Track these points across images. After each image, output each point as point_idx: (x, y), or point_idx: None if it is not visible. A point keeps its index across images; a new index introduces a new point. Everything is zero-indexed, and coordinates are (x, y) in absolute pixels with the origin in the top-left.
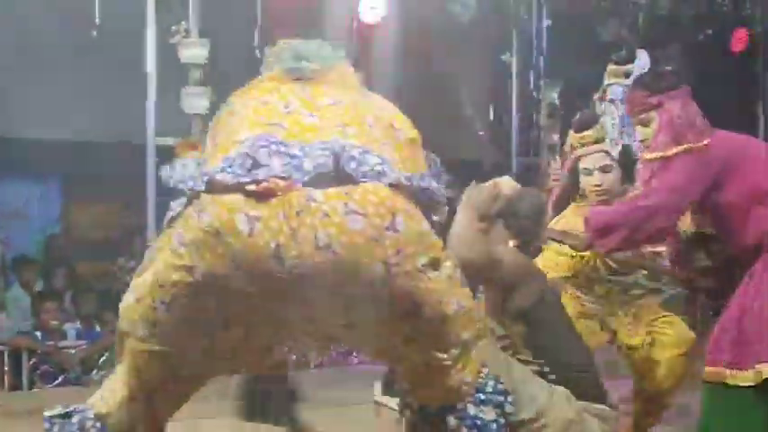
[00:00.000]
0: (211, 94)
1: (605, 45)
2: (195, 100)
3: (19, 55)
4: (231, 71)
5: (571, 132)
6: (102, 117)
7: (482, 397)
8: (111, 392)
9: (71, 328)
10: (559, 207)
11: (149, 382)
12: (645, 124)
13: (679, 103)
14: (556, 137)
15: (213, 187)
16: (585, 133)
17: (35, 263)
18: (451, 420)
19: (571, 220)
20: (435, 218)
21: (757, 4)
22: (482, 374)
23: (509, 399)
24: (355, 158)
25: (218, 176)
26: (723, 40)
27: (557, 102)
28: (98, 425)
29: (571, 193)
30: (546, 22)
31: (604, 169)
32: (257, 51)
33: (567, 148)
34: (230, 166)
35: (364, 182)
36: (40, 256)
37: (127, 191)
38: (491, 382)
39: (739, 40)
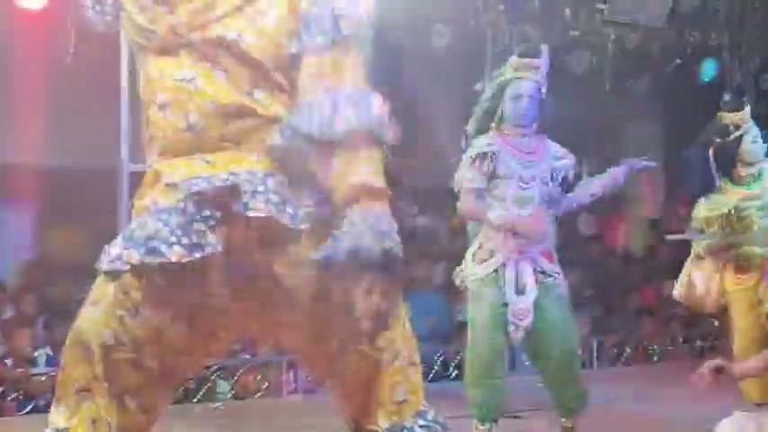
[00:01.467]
0: None
1: (576, 76)
2: None
3: None
4: None
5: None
6: (76, 143)
7: (422, 422)
8: (73, 404)
9: (42, 354)
10: None
11: (121, 386)
12: None
13: None
14: None
15: None
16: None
17: (4, 288)
18: None
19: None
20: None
21: (724, 34)
22: (424, 403)
23: None
24: None
25: None
26: (692, 70)
27: None
28: None
29: None
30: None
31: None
32: None
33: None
34: None
35: None
36: (12, 281)
37: (100, 217)
38: (432, 412)
39: (708, 69)
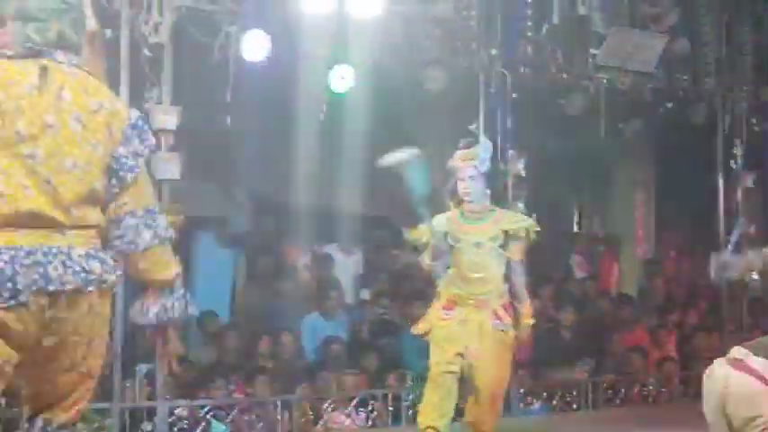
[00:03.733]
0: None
1: (569, 118)
2: (167, 165)
3: None
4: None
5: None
6: None
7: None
8: None
9: None
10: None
11: None
12: None
13: None
14: (521, 206)
15: None
16: (464, 152)
17: None
18: None
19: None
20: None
21: (715, 77)
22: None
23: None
24: None
25: None
26: (683, 113)
27: (522, 172)
28: None
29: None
30: (512, 95)
31: (472, 179)
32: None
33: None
34: None
35: None
36: None
37: None
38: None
39: (698, 112)
